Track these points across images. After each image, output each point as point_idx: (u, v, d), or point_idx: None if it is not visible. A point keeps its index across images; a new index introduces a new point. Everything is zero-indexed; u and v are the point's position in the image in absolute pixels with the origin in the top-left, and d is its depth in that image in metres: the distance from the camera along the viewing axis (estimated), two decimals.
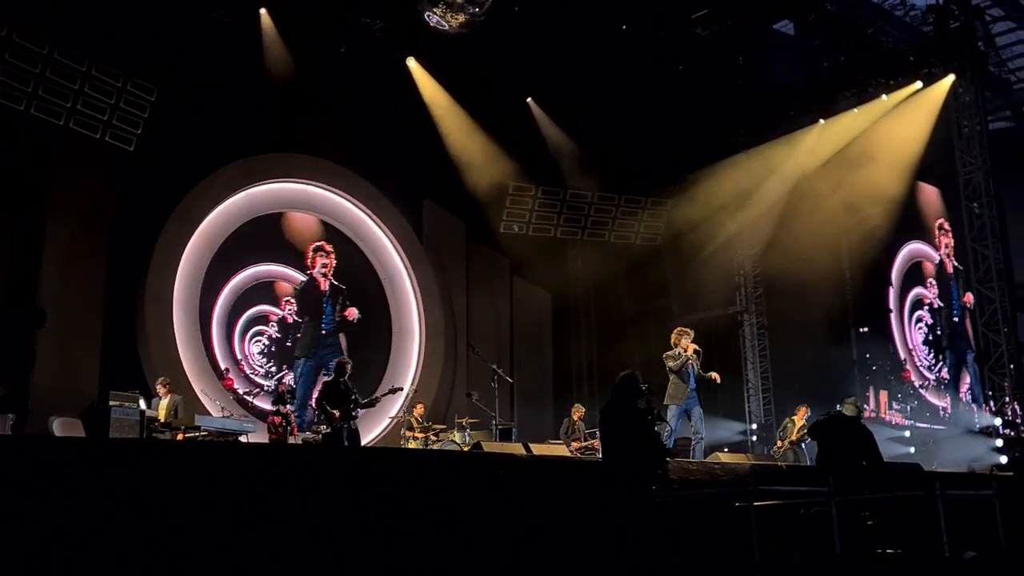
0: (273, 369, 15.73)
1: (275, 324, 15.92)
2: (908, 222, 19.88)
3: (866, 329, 18.85)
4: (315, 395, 14.20)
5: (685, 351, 11.31)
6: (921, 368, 20.02)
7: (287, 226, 16.43)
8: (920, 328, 20.19)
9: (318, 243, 16.67)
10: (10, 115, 13.03)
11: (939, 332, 20.65)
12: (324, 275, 16.61)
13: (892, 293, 20.04)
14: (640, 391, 9.27)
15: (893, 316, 19.63)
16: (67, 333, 13.28)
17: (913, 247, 20.58)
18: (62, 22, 13.30)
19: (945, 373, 20.42)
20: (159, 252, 14.45)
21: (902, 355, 19.43)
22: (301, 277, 16.32)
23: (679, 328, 11.75)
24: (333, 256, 16.77)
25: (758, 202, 18.64)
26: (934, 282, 20.88)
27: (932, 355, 20.34)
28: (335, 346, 16.40)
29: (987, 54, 18.52)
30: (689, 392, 11.27)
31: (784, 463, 12.79)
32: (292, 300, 16.21)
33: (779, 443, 14.46)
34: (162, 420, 12.01)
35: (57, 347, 13.14)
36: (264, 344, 15.77)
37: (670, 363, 11.34)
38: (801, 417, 14.20)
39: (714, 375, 11.52)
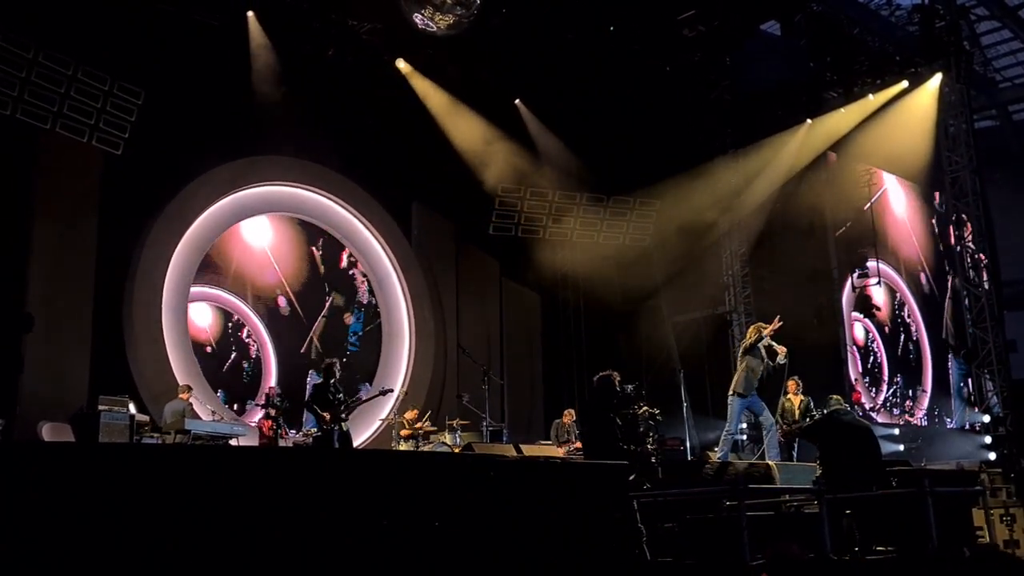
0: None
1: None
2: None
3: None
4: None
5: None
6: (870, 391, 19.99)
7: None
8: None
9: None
10: None
11: (878, 361, 20.48)
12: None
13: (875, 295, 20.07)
14: (615, 391, 9.30)
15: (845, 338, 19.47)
16: (55, 338, 13.18)
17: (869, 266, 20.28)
18: (48, 25, 13.23)
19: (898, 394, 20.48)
20: (147, 256, 14.36)
21: (853, 376, 19.37)
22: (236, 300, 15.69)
23: (758, 324, 11.79)
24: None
25: (746, 202, 18.72)
26: (881, 307, 20.74)
27: (872, 384, 20.24)
28: None
29: (972, 53, 18.62)
30: (755, 386, 11.38)
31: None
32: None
33: (785, 427, 12.81)
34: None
35: (45, 352, 13.05)
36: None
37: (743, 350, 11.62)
38: (794, 391, 12.99)
39: (781, 348, 11.60)
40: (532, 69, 16.62)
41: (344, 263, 17.07)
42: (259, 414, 14.60)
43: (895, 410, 19.92)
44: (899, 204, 21.39)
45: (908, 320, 21.34)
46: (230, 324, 15.44)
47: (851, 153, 18.85)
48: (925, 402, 21.02)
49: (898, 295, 21.11)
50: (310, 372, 15.82)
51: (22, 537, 5.27)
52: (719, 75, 18.13)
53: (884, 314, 20.43)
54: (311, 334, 16.31)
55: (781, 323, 11.75)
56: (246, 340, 15.57)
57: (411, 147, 16.88)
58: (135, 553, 5.49)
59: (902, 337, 21.05)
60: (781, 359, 11.72)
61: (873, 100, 17.84)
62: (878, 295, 20.22)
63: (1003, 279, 16.98)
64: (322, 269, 16.74)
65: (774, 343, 11.60)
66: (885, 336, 20.47)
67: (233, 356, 15.35)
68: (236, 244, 15.79)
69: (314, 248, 16.65)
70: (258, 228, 16.12)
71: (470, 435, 14.04)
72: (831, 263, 19.04)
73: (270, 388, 14.54)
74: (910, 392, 20.77)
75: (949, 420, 21.12)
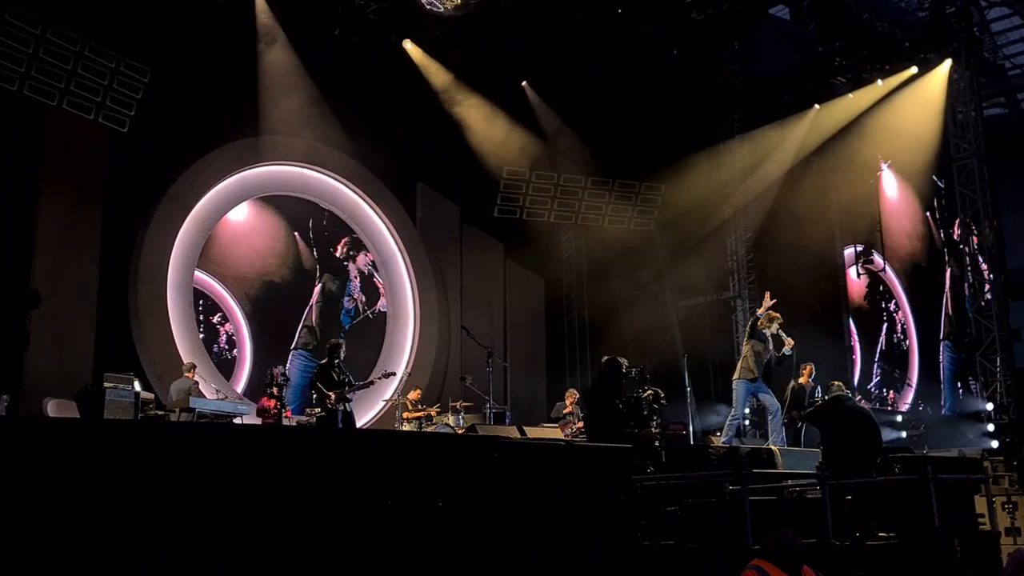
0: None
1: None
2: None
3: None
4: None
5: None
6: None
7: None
8: None
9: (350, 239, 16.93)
10: (2, 96, 12.93)
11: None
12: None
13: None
14: (621, 375, 9.32)
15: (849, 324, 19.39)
16: (61, 314, 13.22)
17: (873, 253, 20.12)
18: (55, 1, 13.21)
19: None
20: (152, 234, 14.37)
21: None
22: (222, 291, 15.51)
23: (770, 312, 11.75)
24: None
25: (752, 187, 18.69)
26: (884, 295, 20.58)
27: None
28: None
29: (982, 40, 18.54)
30: (761, 370, 11.40)
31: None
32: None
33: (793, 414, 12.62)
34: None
35: (51, 328, 13.09)
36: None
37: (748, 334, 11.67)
38: (807, 377, 12.79)
39: (788, 340, 11.59)
40: (539, 51, 16.56)
41: (339, 253, 17.00)
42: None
43: (877, 403, 19.84)
44: (896, 192, 21.28)
45: (894, 311, 21.23)
46: (201, 307, 15.20)
47: (858, 139, 18.78)
48: (910, 396, 20.89)
49: (884, 286, 21.05)
50: (291, 355, 15.81)
51: (27, 512, 5.31)
52: (727, 59, 18.08)
53: (868, 304, 20.41)
54: (303, 321, 16.28)
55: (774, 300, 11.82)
56: (220, 325, 15.42)
57: (417, 129, 16.86)
58: (139, 529, 5.52)
59: (884, 327, 20.93)
60: (787, 350, 11.72)
61: (881, 86, 17.77)
62: (875, 284, 20.26)
63: (1008, 267, 16.93)
64: (311, 255, 16.60)
65: (782, 332, 11.59)
66: (865, 325, 20.35)
67: (202, 338, 15.10)
68: (219, 227, 15.60)
69: (298, 233, 16.47)
70: (241, 213, 15.87)
71: (473, 417, 14.06)
72: (835, 249, 19.02)
73: (274, 368, 14.57)
74: (887, 385, 20.64)
75: (934, 412, 21.03)
